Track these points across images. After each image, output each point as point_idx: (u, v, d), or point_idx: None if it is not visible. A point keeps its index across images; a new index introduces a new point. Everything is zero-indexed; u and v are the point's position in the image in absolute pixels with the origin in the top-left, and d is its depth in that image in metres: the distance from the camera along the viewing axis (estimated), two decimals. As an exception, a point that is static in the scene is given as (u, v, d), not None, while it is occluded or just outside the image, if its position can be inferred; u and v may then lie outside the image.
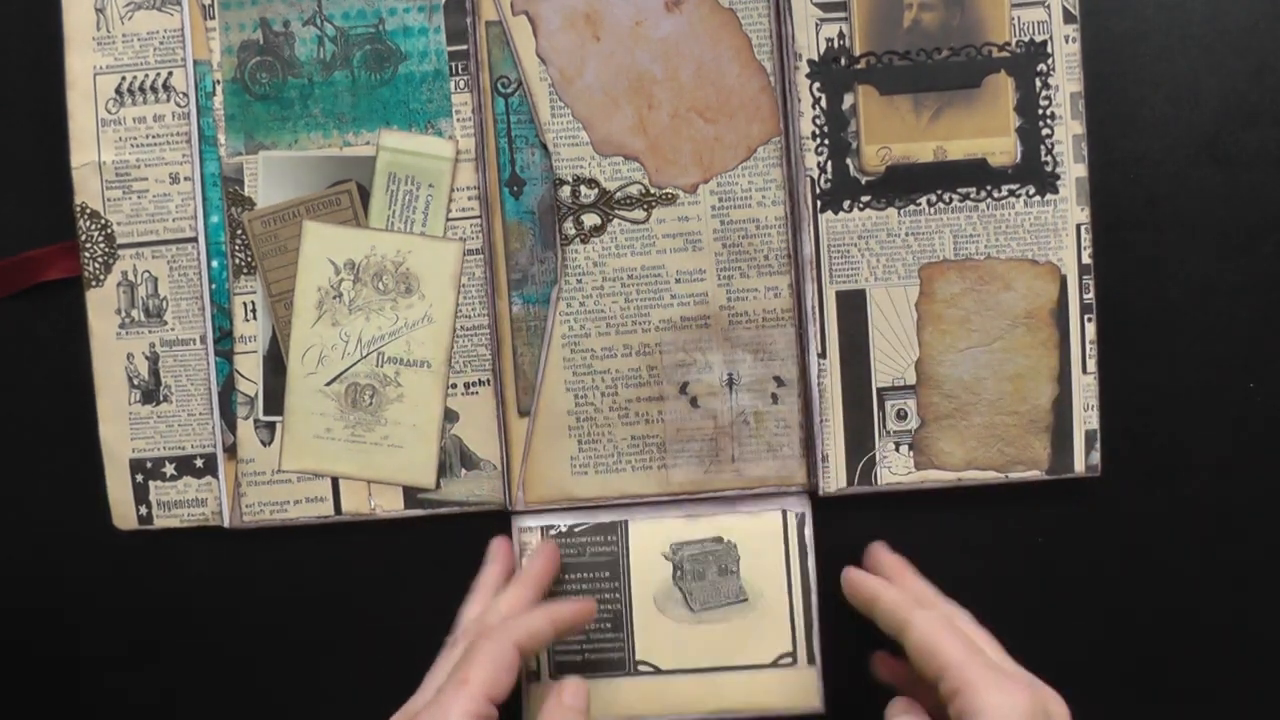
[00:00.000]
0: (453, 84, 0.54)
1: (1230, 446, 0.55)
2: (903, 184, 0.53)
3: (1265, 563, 0.55)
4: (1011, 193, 0.53)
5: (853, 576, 0.51)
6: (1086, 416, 0.54)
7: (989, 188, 0.53)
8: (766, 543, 0.55)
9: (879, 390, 0.54)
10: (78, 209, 0.54)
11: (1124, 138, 0.54)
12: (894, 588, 0.49)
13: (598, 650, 0.55)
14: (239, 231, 0.54)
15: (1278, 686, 0.55)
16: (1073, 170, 0.53)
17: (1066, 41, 0.53)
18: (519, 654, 0.46)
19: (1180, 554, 0.55)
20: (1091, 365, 0.54)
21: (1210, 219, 0.54)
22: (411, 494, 0.55)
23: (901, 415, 0.54)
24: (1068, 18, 0.53)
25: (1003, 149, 0.53)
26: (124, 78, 0.54)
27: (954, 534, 0.55)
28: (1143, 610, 0.55)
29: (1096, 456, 0.54)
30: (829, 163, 0.53)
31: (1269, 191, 0.54)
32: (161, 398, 0.55)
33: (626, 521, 0.55)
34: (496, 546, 0.54)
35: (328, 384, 0.54)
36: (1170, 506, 0.55)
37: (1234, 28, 0.54)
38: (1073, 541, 0.55)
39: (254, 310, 0.55)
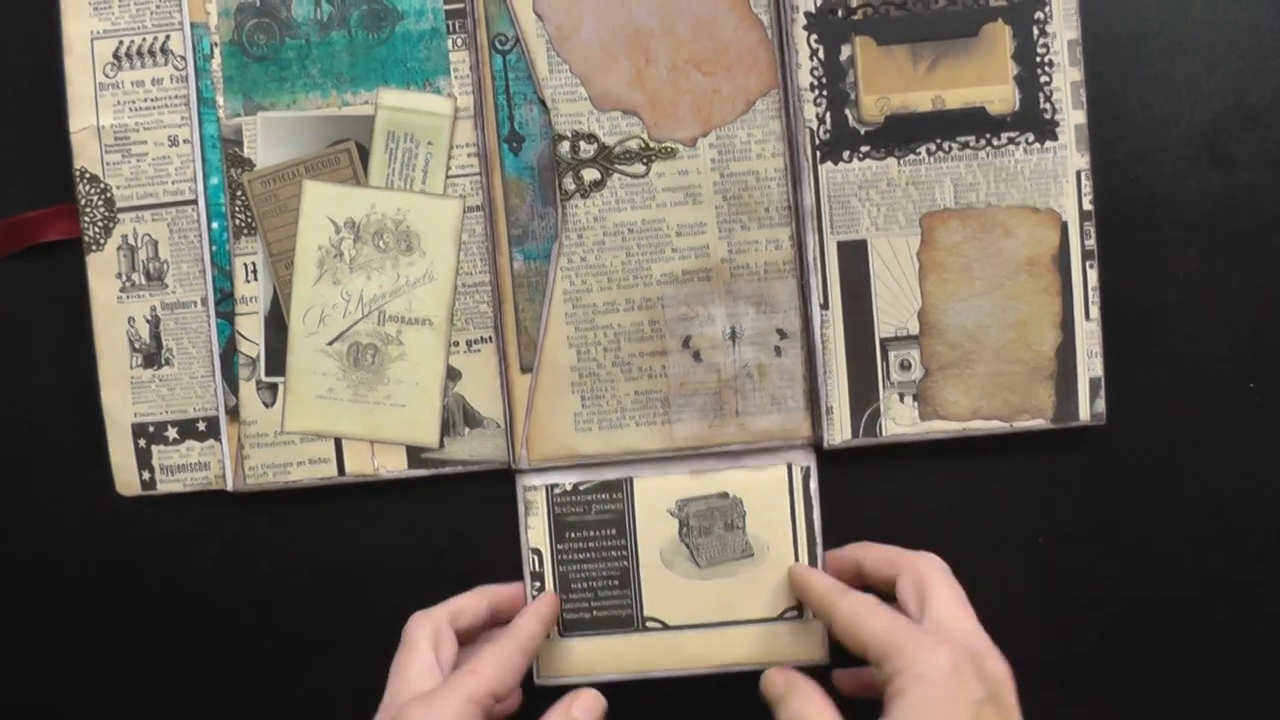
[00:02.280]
0: (450, 42, 0.54)
1: (1232, 442, 0.55)
2: (902, 134, 0.53)
3: (1267, 516, 0.55)
4: (1011, 140, 0.53)
5: (793, 573, 0.54)
6: (1090, 364, 0.54)
7: (988, 136, 0.53)
8: (772, 497, 0.55)
9: (882, 341, 0.54)
10: (77, 173, 0.54)
11: (1124, 137, 0.54)
12: (823, 578, 0.51)
13: (605, 607, 0.55)
14: (239, 193, 0.54)
15: (1277, 635, 0.55)
16: (1071, 117, 0.53)
17: (1063, -13, 0.53)
18: (524, 659, 0.49)
19: (1185, 505, 0.55)
20: (1094, 312, 0.53)
21: (1210, 219, 0.54)
22: (415, 453, 0.55)
23: (905, 365, 0.54)
24: (1064, -36, 0.53)
25: (1001, 97, 0.53)
26: (121, 42, 0.54)
27: (960, 484, 0.55)
28: (1148, 560, 0.55)
29: (1101, 404, 0.54)
30: (828, 114, 0.53)
31: (1269, 191, 0.54)
32: (163, 361, 0.55)
33: (631, 478, 0.55)
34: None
35: (329, 344, 0.54)
36: (1175, 456, 0.55)
37: (1234, 28, 0.54)
38: (1077, 491, 0.55)
39: (255, 271, 0.54)
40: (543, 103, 0.54)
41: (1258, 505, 0.55)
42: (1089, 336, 0.54)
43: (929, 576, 0.48)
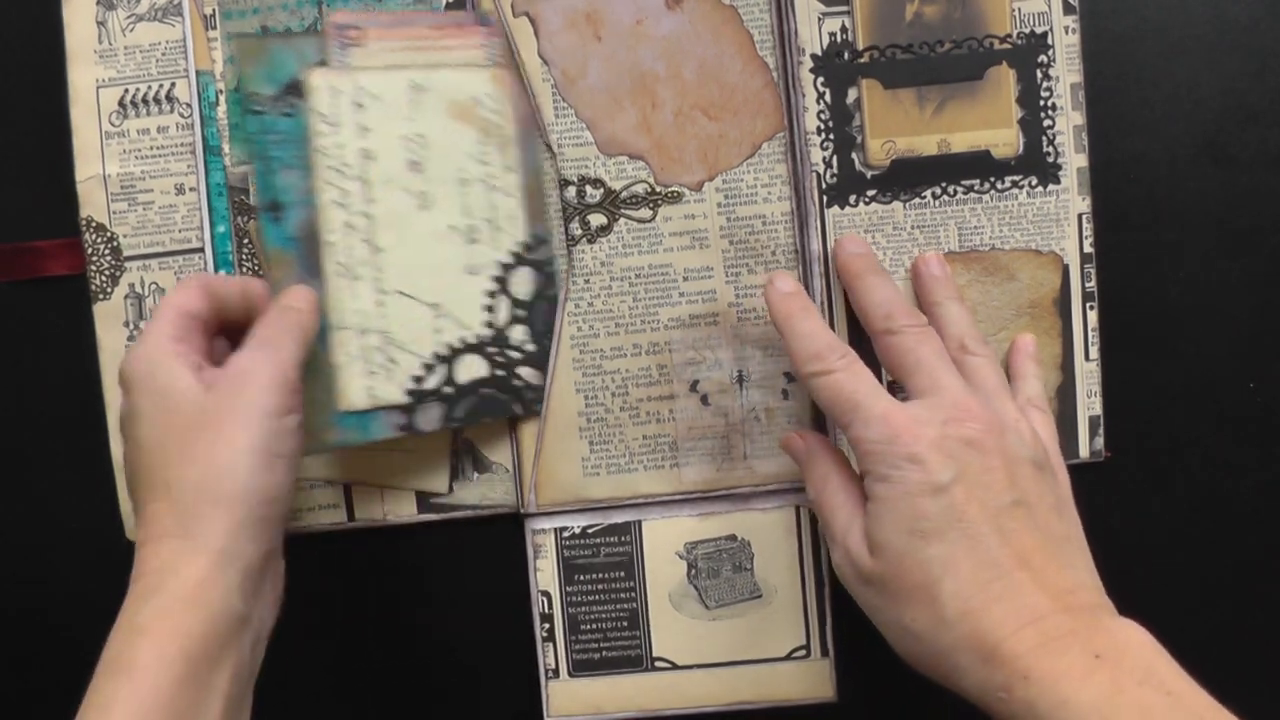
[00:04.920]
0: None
1: (1231, 439, 0.55)
2: (907, 177, 0.54)
3: (1270, 543, 0.56)
4: (1014, 184, 0.54)
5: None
6: (1090, 403, 0.54)
7: (992, 179, 0.54)
8: (780, 539, 0.55)
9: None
10: (83, 222, 0.54)
11: (1124, 137, 0.54)
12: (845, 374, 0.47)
13: (614, 648, 0.55)
14: (245, 240, 0.54)
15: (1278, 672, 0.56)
16: (1074, 160, 0.54)
17: (1066, 33, 0.53)
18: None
19: (1186, 540, 0.55)
20: (1094, 352, 0.54)
21: (1210, 219, 0.54)
22: (424, 499, 0.55)
23: (911, 408, 0.54)
24: (1067, 9, 0.53)
25: (1005, 140, 0.54)
26: (127, 90, 0.54)
27: (966, 524, 0.55)
28: (1149, 598, 0.56)
29: (1100, 442, 0.54)
30: (834, 157, 0.54)
31: (1269, 191, 0.54)
32: (172, 409, 0.55)
33: (640, 521, 0.55)
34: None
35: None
36: (1175, 491, 0.55)
37: (1234, 28, 0.54)
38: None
39: (263, 319, 0.54)
40: (549, 147, 0.54)
41: (1258, 505, 0.55)
42: (1089, 377, 0.54)
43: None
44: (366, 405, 0.50)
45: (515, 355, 0.53)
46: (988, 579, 0.41)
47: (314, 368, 0.48)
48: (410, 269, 0.51)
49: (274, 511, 0.43)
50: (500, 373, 0.53)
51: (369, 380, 0.50)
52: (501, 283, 0.52)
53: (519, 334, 0.53)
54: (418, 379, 0.51)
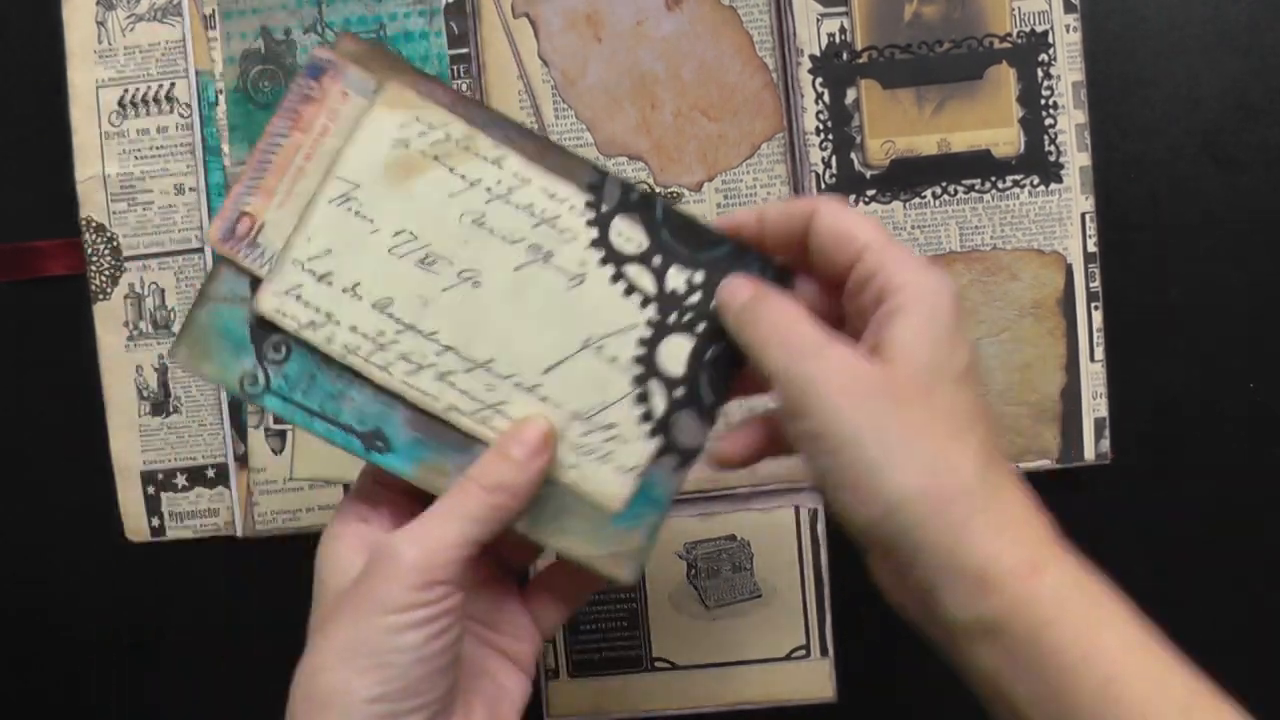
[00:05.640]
0: (454, 87, 0.54)
1: (1231, 439, 0.55)
2: (907, 177, 0.54)
3: (1270, 543, 0.55)
4: (1016, 183, 0.54)
5: (719, 221, 0.40)
6: (1095, 405, 0.54)
7: (993, 179, 0.54)
8: (779, 539, 0.55)
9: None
10: (83, 223, 0.54)
11: (1124, 137, 0.54)
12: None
13: (614, 648, 0.55)
14: (245, 241, 0.54)
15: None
16: (1076, 159, 0.53)
17: (1067, 31, 0.53)
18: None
19: (1190, 542, 0.55)
20: (1099, 353, 0.54)
21: (1210, 219, 0.54)
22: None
23: (911, 408, 0.54)
24: (1068, 8, 0.53)
25: (1006, 140, 0.53)
26: (127, 90, 0.54)
27: (966, 525, 0.55)
28: (1154, 599, 0.56)
29: (1106, 444, 0.54)
30: (833, 157, 0.54)
31: (1269, 191, 0.54)
32: (171, 409, 0.55)
33: (639, 521, 0.55)
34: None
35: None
36: (1175, 492, 0.55)
37: (1234, 28, 0.54)
38: (1083, 530, 0.55)
39: (262, 319, 0.55)
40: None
41: (1258, 505, 0.55)
42: (1094, 378, 0.54)
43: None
44: (631, 487, 0.39)
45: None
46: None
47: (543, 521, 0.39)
48: (522, 350, 0.39)
49: (388, 710, 0.35)
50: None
51: (604, 464, 0.39)
52: (615, 265, 0.39)
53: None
54: (644, 415, 0.39)
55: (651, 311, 0.39)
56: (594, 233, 0.39)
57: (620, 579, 0.39)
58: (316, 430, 0.39)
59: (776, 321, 0.36)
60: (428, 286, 0.38)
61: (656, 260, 0.39)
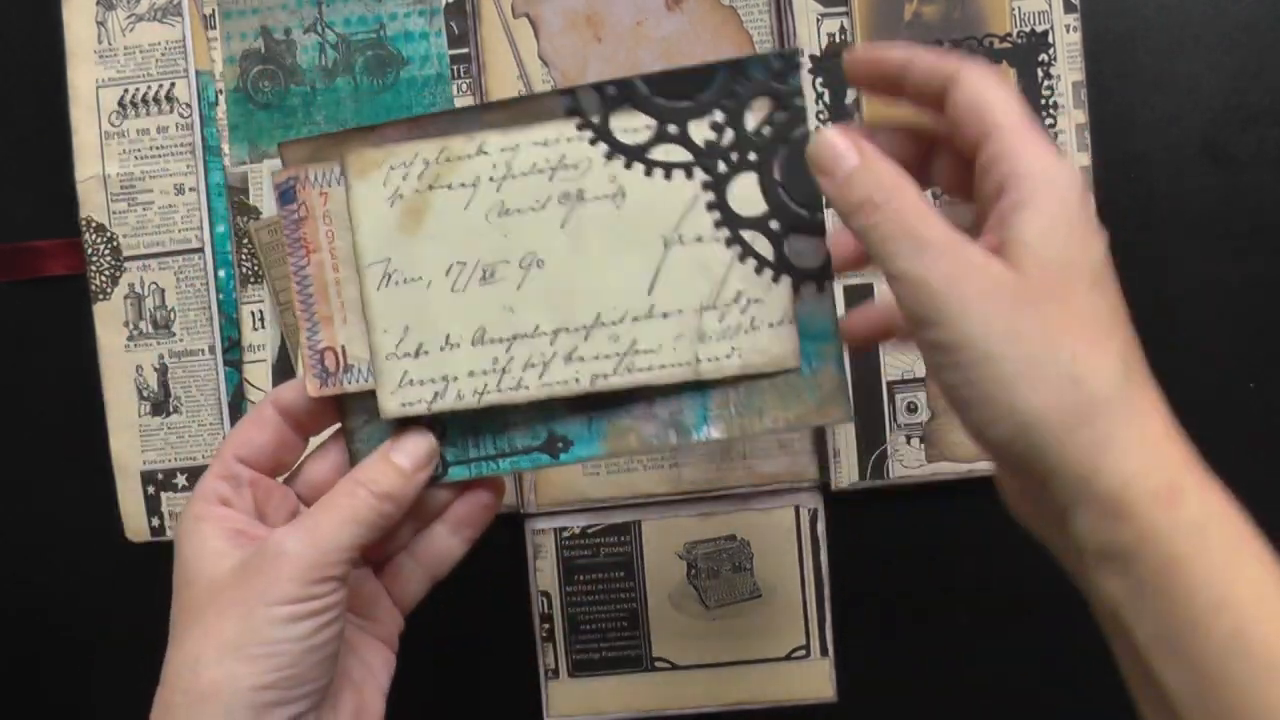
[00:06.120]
0: (454, 87, 0.54)
1: (1231, 439, 0.55)
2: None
3: (1270, 543, 0.55)
4: (1016, 183, 0.53)
5: (862, 51, 0.36)
6: (1095, 404, 0.54)
7: (993, 179, 0.53)
8: (780, 539, 0.55)
9: (889, 384, 0.54)
10: (83, 223, 0.54)
11: (1124, 137, 0.54)
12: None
13: (614, 648, 0.55)
14: (245, 241, 0.54)
15: None
16: (1076, 159, 0.53)
17: (1067, 31, 0.53)
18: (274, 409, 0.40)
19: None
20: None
21: (1210, 219, 0.54)
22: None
23: (912, 408, 0.54)
24: (1068, 8, 0.53)
25: (1006, 140, 0.53)
26: (127, 90, 0.54)
27: (967, 525, 0.55)
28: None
29: (1106, 444, 0.54)
30: (833, 158, 0.53)
31: (1269, 191, 0.54)
32: (171, 409, 0.55)
33: (640, 521, 0.55)
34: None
35: (338, 390, 0.54)
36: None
37: (1234, 28, 0.54)
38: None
39: (262, 319, 0.55)
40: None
41: (1258, 506, 0.55)
42: (1094, 377, 0.54)
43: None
44: (793, 337, 0.38)
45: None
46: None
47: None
48: (618, 288, 0.38)
49: (275, 698, 0.36)
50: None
51: (756, 333, 0.38)
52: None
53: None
54: (759, 266, 0.38)
55: (700, 175, 0.37)
56: (602, 146, 0.37)
57: (842, 420, 0.38)
58: (504, 469, 0.40)
59: (901, 210, 0.32)
60: (503, 295, 0.38)
61: (672, 129, 0.37)
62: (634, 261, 0.38)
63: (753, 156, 0.37)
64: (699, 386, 0.38)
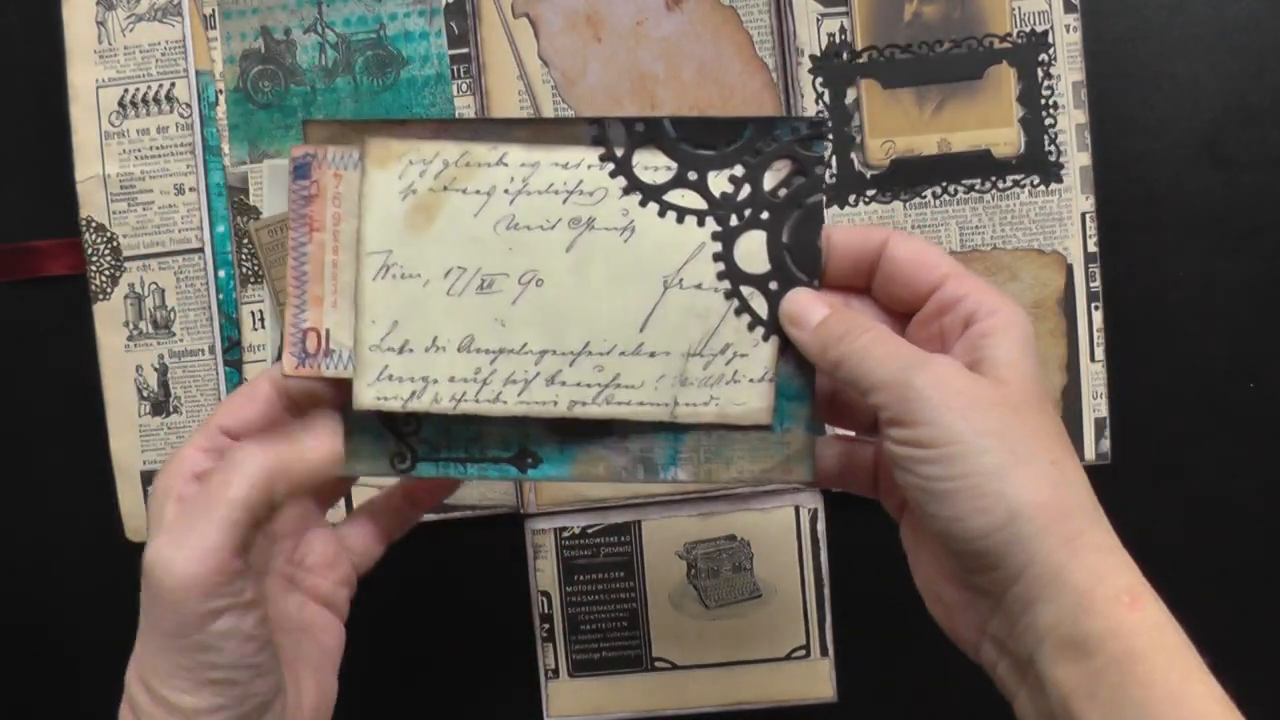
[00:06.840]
0: (455, 87, 0.54)
1: (1231, 439, 0.55)
2: (907, 177, 0.54)
3: (1271, 543, 0.55)
4: (1016, 183, 0.54)
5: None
6: (1095, 405, 0.54)
7: (993, 179, 0.54)
8: (779, 539, 0.55)
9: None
10: (83, 223, 0.54)
11: (1124, 137, 0.54)
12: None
13: (614, 648, 0.55)
14: (245, 241, 0.54)
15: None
16: (1076, 159, 0.53)
17: (1067, 31, 0.53)
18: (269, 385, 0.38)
19: (1190, 542, 0.55)
20: (1100, 353, 0.54)
21: (1210, 219, 0.54)
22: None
23: (911, 408, 0.54)
24: (1068, 7, 0.53)
25: (1006, 140, 0.53)
26: (126, 90, 0.54)
27: (966, 525, 0.55)
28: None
29: (1106, 444, 0.54)
30: (833, 157, 0.54)
31: (1269, 191, 0.54)
32: (171, 409, 0.55)
33: (640, 522, 0.55)
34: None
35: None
36: (1176, 492, 0.55)
37: (1234, 28, 0.54)
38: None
39: (262, 319, 0.55)
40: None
41: (1258, 505, 0.55)
42: (1094, 378, 0.54)
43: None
44: (770, 394, 0.38)
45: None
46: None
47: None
48: (611, 319, 0.38)
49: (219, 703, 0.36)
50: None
51: (736, 385, 0.38)
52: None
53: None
54: (751, 323, 0.38)
55: (711, 224, 0.37)
56: (621, 180, 0.37)
57: (803, 479, 0.39)
58: (471, 474, 0.39)
59: (880, 334, 0.35)
60: (497, 307, 0.38)
61: (691, 176, 0.38)
62: (631, 297, 0.38)
63: (765, 215, 0.38)
64: (673, 428, 0.38)
